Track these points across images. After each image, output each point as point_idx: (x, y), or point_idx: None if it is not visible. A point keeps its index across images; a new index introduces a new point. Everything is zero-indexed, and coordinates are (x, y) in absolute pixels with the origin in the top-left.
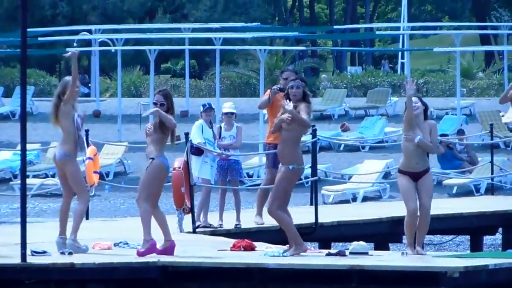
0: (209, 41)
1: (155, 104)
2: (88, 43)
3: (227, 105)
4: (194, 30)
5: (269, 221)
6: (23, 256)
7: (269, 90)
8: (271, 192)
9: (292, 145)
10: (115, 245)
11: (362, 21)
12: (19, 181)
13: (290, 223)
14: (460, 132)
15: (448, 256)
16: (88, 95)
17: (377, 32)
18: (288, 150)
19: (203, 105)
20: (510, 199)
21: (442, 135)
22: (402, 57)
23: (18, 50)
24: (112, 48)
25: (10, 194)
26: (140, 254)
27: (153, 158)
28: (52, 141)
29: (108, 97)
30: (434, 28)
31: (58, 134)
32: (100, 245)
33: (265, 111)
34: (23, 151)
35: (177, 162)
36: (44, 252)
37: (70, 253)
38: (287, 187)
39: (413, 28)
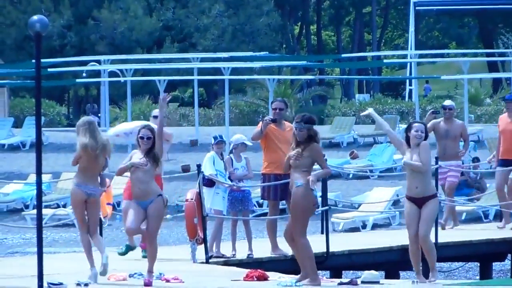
0: (217, 70)
1: (141, 138)
2: (97, 73)
3: (236, 137)
4: (202, 59)
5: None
6: None
7: (261, 122)
8: (290, 220)
9: (302, 171)
10: (130, 276)
11: (369, 47)
12: (31, 212)
13: (312, 253)
14: (475, 160)
15: (458, 284)
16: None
17: (385, 60)
18: (295, 174)
19: (215, 138)
20: None
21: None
22: (410, 84)
23: (28, 81)
24: (122, 79)
25: (22, 226)
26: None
27: (160, 195)
28: (63, 171)
29: None
30: (442, 55)
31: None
32: (116, 277)
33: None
34: (39, 184)
35: (190, 193)
36: (60, 283)
37: (86, 285)
38: (299, 209)
39: (420, 56)
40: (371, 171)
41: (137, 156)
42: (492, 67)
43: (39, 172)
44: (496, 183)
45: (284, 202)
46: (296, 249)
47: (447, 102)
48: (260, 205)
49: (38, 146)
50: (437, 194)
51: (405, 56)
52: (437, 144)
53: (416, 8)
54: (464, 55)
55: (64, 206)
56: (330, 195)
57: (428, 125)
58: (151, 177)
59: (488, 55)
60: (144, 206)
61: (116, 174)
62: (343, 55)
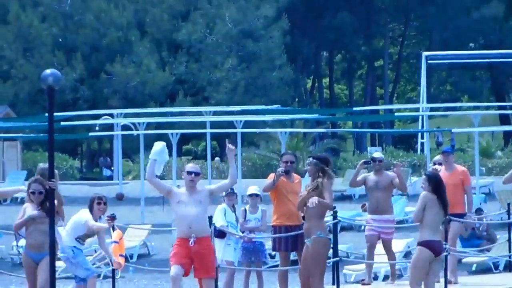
0: (230, 124)
1: (33, 193)
2: (110, 127)
3: (252, 188)
4: (215, 113)
5: None
6: None
7: (273, 174)
8: (312, 272)
9: (318, 218)
10: None
11: (381, 101)
12: None
13: None
14: (478, 211)
15: None
16: (111, 178)
17: (396, 114)
18: (314, 223)
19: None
20: None
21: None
22: (422, 137)
23: (41, 134)
24: (135, 132)
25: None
26: None
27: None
28: None
29: (130, 179)
30: (454, 108)
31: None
32: None
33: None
34: (52, 236)
35: None
36: None
37: None
38: (319, 258)
39: (432, 109)
40: None
41: (30, 209)
42: (504, 120)
43: (52, 225)
44: None
45: (295, 253)
46: None
47: (376, 154)
48: (272, 257)
49: (51, 197)
50: (422, 243)
51: (417, 109)
52: (368, 197)
53: (428, 61)
54: (475, 108)
55: None
56: (341, 246)
57: (359, 178)
58: (47, 229)
59: (499, 108)
60: (37, 258)
61: (14, 229)
62: (355, 108)
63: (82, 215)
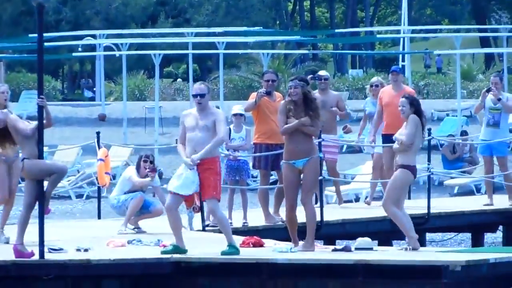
0: (211, 45)
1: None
2: (92, 48)
3: (236, 108)
4: (197, 34)
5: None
6: (41, 253)
7: (255, 93)
8: (304, 186)
9: (311, 140)
10: (128, 242)
11: (362, 24)
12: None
13: (315, 218)
14: (463, 133)
15: (451, 251)
16: (92, 99)
17: (378, 36)
18: (309, 144)
19: None
20: None
21: (449, 135)
22: (403, 60)
23: (24, 55)
24: (117, 53)
25: (20, 195)
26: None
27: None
28: (59, 144)
29: (112, 101)
30: (435, 31)
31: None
32: (114, 243)
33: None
34: (41, 153)
35: None
36: (61, 249)
37: (86, 250)
38: (317, 177)
39: (413, 31)
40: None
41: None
42: (485, 43)
43: (40, 141)
44: (384, 161)
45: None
46: (292, 220)
47: (322, 72)
48: (255, 177)
49: (40, 117)
50: (409, 168)
51: (398, 32)
52: None
53: None
54: (456, 31)
55: None
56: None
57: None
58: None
59: (480, 31)
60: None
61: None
62: (337, 30)
63: (128, 172)
